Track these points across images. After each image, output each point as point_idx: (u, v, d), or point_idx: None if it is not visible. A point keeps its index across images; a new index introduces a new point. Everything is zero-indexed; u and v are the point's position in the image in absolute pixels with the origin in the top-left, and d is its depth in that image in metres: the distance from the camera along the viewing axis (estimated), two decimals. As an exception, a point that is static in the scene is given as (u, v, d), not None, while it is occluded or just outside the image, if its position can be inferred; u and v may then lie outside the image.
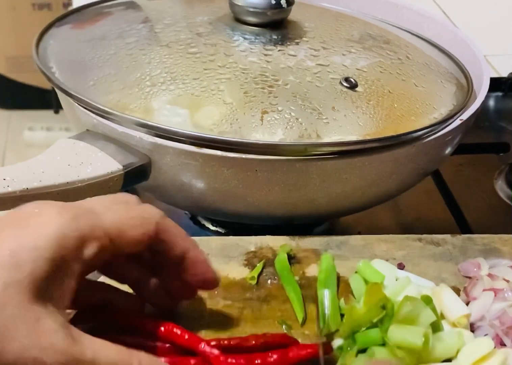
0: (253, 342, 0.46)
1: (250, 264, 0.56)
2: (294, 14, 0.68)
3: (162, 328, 0.45)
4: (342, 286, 0.55)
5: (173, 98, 0.59)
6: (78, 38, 0.68)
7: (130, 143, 0.57)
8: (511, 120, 0.90)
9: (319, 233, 0.68)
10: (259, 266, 0.56)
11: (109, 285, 0.47)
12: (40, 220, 0.39)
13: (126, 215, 0.43)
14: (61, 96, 0.63)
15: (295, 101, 0.59)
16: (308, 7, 0.77)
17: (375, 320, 0.47)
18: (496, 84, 0.92)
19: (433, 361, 0.47)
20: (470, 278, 0.55)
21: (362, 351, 0.48)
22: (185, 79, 0.60)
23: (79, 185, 0.54)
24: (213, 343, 0.45)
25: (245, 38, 0.65)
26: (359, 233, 0.67)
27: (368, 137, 0.58)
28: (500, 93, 0.94)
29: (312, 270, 0.56)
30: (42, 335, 0.37)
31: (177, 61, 0.62)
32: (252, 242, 0.58)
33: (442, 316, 0.51)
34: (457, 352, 0.48)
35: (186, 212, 0.69)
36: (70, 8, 0.84)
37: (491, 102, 0.93)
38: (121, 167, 0.56)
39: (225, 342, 0.46)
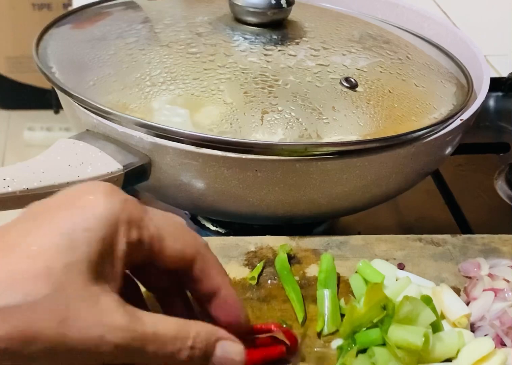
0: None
1: (250, 264, 0.56)
2: (294, 14, 0.68)
3: None
4: (342, 286, 0.55)
5: (173, 98, 0.59)
6: (78, 38, 0.68)
7: (130, 143, 0.57)
8: (511, 120, 0.90)
9: (319, 233, 0.68)
10: (259, 266, 0.56)
11: None
12: (90, 201, 0.39)
13: (172, 224, 0.42)
14: (61, 96, 0.63)
15: (295, 101, 0.59)
16: (308, 7, 0.77)
17: (375, 320, 0.47)
18: (496, 84, 0.92)
19: (433, 361, 0.47)
20: (470, 278, 0.55)
21: (362, 351, 0.48)
22: (185, 79, 0.60)
23: (79, 185, 0.54)
24: None
25: (245, 38, 0.65)
26: (359, 233, 0.67)
27: (368, 138, 0.58)
28: (500, 93, 0.94)
29: (312, 270, 0.56)
30: (103, 314, 0.37)
31: (177, 61, 0.62)
32: (252, 242, 0.58)
33: (442, 316, 0.51)
34: (458, 352, 0.48)
35: (186, 212, 0.69)
36: (70, 8, 0.84)
37: (491, 102, 0.93)
38: (121, 167, 0.56)
39: None
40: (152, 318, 0.39)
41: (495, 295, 0.52)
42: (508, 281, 0.53)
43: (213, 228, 0.68)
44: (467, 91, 0.67)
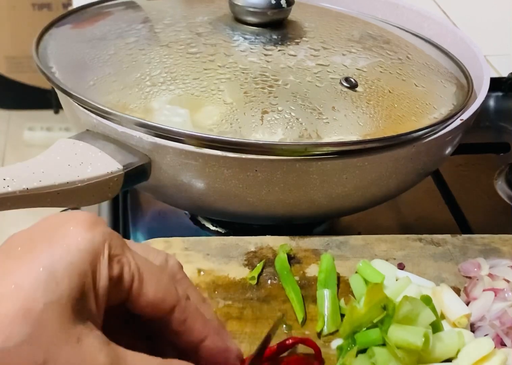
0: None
1: (250, 264, 0.56)
2: (294, 14, 0.68)
3: None
4: (342, 286, 0.55)
5: (173, 98, 0.59)
6: (78, 38, 0.68)
7: (130, 143, 0.57)
8: (511, 120, 0.90)
9: (319, 233, 0.68)
10: (259, 266, 0.56)
11: None
12: (71, 232, 0.37)
13: (154, 267, 0.39)
14: (61, 96, 0.63)
15: (295, 101, 0.59)
16: (308, 7, 0.77)
17: (375, 320, 0.47)
18: (496, 84, 0.92)
19: (433, 361, 0.47)
20: (470, 278, 0.55)
21: (362, 351, 0.48)
22: (185, 79, 0.60)
23: (79, 185, 0.54)
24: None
25: (245, 38, 0.65)
26: (359, 233, 0.67)
27: (368, 137, 0.58)
28: (500, 93, 0.94)
29: (312, 270, 0.56)
30: (86, 355, 0.36)
31: (177, 61, 0.62)
32: (252, 242, 0.58)
33: (442, 316, 0.51)
34: (457, 352, 0.48)
35: (186, 212, 0.69)
36: (70, 8, 0.84)
37: (491, 102, 0.93)
38: (121, 167, 0.55)
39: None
40: (136, 357, 0.37)
41: (495, 295, 0.52)
42: (508, 281, 0.53)
43: (213, 228, 0.68)
44: (467, 91, 0.67)
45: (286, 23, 0.68)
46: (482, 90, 0.65)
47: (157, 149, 0.56)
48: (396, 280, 0.54)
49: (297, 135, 0.57)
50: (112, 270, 0.37)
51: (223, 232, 0.68)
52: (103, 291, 0.37)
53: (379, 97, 0.62)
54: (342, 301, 0.52)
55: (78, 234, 0.37)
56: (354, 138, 0.58)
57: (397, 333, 0.46)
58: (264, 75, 0.61)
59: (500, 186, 0.78)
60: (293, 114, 0.58)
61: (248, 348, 0.49)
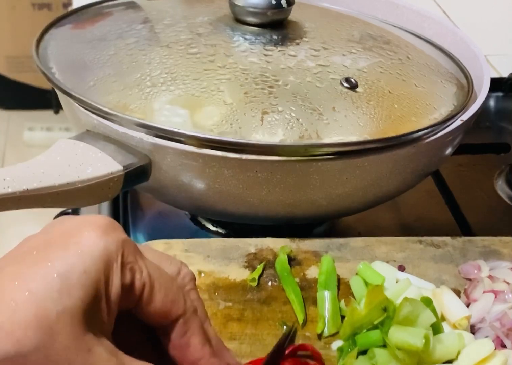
0: None
1: (250, 266, 0.56)
2: (295, 14, 0.68)
3: None
4: (342, 287, 0.55)
5: (173, 98, 0.59)
6: (78, 39, 0.68)
7: (130, 144, 0.57)
8: (511, 121, 0.90)
9: (319, 233, 0.68)
10: (260, 267, 0.56)
11: None
12: (85, 239, 0.37)
13: (165, 275, 0.39)
14: (61, 96, 0.63)
15: (295, 102, 0.59)
16: (308, 7, 0.77)
17: (376, 322, 0.47)
18: (496, 84, 0.92)
19: (434, 363, 0.47)
20: (470, 280, 0.55)
21: (363, 352, 0.48)
22: (185, 79, 0.60)
23: (79, 185, 0.54)
24: None
25: (245, 39, 0.65)
26: (359, 233, 0.67)
27: (369, 138, 0.58)
28: (500, 94, 0.94)
29: (312, 272, 0.56)
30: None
31: (177, 61, 0.62)
32: (252, 244, 0.58)
33: (442, 318, 0.51)
34: (458, 354, 0.48)
35: (186, 212, 0.69)
36: (70, 8, 0.84)
37: (492, 103, 0.93)
38: (121, 168, 0.55)
39: None
40: None
41: (495, 297, 0.52)
42: (508, 283, 0.53)
43: (213, 229, 0.68)
44: (467, 91, 0.66)
45: (286, 24, 0.68)
46: (482, 91, 0.65)
47: (157, 149, 0.56)
48: (397, 282, 0.54)
49: (298, 136, 0.57)
50: (124, 277, 0.37)
51: (223, 232, 0.68)
52: (115, 299, 0.37)
53: (379, 98, 0.61)
54: (342, 302, 0.52)
55: (92, 240, 0.37)
56: (354, 138, 0.58)
57: (398, 335, 0.46)
58: (264, 75, 0.61)
59: (500, 186, 0.77)
60: (293, 114, 0.58)
61: (248, 350, 0.49)
